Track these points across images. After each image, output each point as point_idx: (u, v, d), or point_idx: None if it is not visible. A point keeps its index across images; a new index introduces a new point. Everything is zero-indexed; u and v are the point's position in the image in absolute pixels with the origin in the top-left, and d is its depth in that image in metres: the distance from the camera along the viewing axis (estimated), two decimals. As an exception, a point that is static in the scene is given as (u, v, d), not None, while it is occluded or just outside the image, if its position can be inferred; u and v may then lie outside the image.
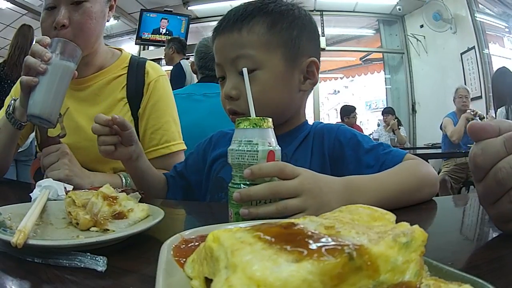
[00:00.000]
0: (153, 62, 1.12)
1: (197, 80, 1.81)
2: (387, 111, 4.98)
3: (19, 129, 0.91)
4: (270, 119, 0.52)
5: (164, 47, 3.62)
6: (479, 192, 0.41)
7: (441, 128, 3.63)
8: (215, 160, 0.84)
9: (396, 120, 4.76)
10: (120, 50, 1.12)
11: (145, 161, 0.82)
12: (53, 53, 0.80)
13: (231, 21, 0.71)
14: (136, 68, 1.06)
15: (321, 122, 0.83)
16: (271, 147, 0.50)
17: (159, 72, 1.08)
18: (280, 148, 0.52)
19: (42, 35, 0.92)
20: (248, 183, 0.50)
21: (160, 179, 0.86)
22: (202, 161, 0.87)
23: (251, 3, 0.74)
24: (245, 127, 0.50)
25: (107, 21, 1.03)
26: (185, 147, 1.09)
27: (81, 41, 0.93)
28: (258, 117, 0.51)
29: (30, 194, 0.62)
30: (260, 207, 0.48)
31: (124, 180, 0.93)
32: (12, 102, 0.90)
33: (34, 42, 0.82)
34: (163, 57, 3.69)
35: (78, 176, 0.85)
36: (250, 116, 0.70)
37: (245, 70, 0.56)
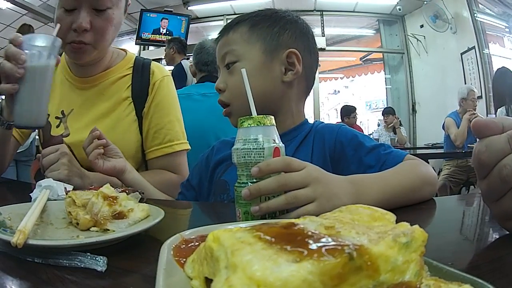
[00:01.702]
0: (157, 63, 1.13)
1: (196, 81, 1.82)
2: (388, 111, 4.98)
3: (8, 129, 0.90)
4: (272, 117, 0.52)
5: (164, 47, 3.61)
6: (482, 190, 0.41)
7: (443, 128, 3.61)
8: (218, 164, 0.85)
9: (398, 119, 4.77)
10: (124, 50, 1.13)
11: (138, 175, 0.87)
12: (29, 52, 0.75)
13: (224, 29, 0.80)
14: (142, 68, 1.07)
15: (322, 122, 0.83)
16: (276, 144, 0.50)
17: (164, 73, 1.10)
18: (284, 145, 0.52)
19: (59, 34, 0.92)
20: (255, 181, 0.49)
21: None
22: (205, 167, 0.88)
23: (244, 14, 0.80)
24: (248, 125, 0.50)
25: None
26: (188, 147, 1.10)
27: (99, 46, 0.95)
28: (261, 115, 0.51)
29: (30, 194, 0.62)
30: (270, 201, 0.48)
31: None
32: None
33: (8, 43, 0.77)
34: (163, 57, 3.66)
35: (78, 176, 0.85)
36: (238, 110, 0.73)
37: (243, 71, 0.56)
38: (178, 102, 1.12)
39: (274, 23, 0.77)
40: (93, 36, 0.92)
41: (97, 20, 0.91)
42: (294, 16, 0.81)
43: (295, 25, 0.79)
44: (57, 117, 1.04)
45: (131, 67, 1.07)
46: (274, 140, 0.50)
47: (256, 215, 0.48)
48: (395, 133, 4.70)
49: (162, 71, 1.10)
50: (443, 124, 3.58)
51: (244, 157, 0.49)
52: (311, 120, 0.84)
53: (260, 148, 0.49)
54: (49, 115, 1.03)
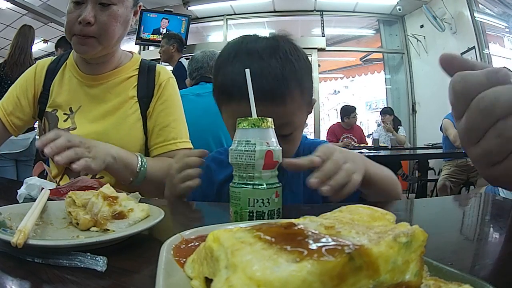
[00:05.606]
0: (162, 65, 1.17)
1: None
2: (385, 111, 4.98)
3: None
4: (270, 119, 0.52)
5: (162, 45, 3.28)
6: (460, 131, 0.36)
7: (441, 130, 3.61)
8: (225, 180, 0.81)
9: (392, 121, 4.77)
10: (131, 52, 1.17)
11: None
12: None
13: (275, 93, 0.69)
14: (147, 70, 1.11)
15: (307, 138, 0.88)
16: (269, 147, 0.50)
17: (169, 74, 1.14)
18: (280, 148, 0.52)
19: (67, 26, 0.96)
20: (249, 183, 0.50)
21: None
22: (207, 184, 0.85)
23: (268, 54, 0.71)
24: (243, 127, 0.51)
25: (131, 25, 1.08)
26: (191, 147, 1.11)
27: (104, 41, 0.98)
28: (257, 117, 0.51)
29: (18, 190, 0.63)
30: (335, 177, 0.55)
31: (140, 160, 0.94)
32: None
33: None
34: (159, 53, 3.31)
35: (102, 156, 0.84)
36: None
37: (247, 71, 0.56)
38: (181, 104, 1.15)
39: (307, 73, 0.77)
40: (97, 30, 0.95)
41: (101, 14, 0.95)
42: (298, 46, 0.78)
43: (308, 61, 0.79)
44: (65, 113, 1.07)
45: (137, 69, 1.11)
46: (268, 143, 0.50)
47: (324, 192, 0.53)
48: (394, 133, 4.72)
49: (167, 73, 1.14)
50: (441, 125, 3.58)
51: (236, 158, 0.50)
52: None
53: (251, 151, 0.49)
54: (57, 109, 1.06)
